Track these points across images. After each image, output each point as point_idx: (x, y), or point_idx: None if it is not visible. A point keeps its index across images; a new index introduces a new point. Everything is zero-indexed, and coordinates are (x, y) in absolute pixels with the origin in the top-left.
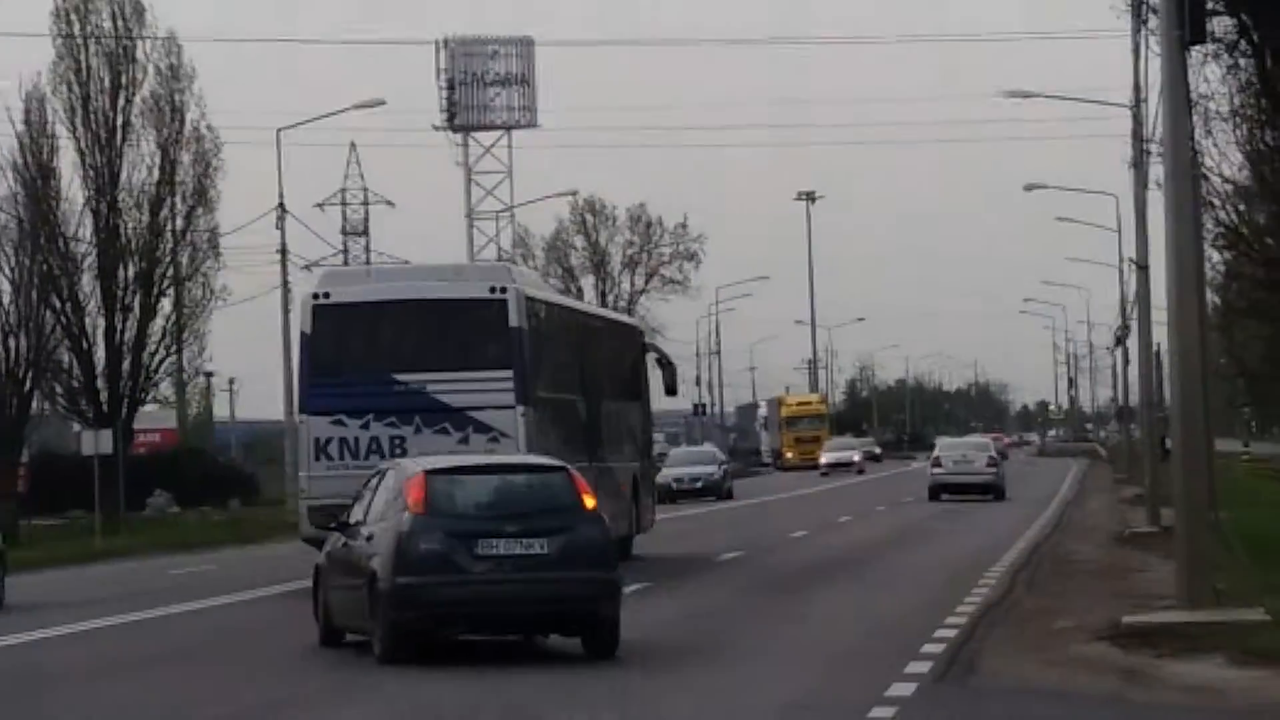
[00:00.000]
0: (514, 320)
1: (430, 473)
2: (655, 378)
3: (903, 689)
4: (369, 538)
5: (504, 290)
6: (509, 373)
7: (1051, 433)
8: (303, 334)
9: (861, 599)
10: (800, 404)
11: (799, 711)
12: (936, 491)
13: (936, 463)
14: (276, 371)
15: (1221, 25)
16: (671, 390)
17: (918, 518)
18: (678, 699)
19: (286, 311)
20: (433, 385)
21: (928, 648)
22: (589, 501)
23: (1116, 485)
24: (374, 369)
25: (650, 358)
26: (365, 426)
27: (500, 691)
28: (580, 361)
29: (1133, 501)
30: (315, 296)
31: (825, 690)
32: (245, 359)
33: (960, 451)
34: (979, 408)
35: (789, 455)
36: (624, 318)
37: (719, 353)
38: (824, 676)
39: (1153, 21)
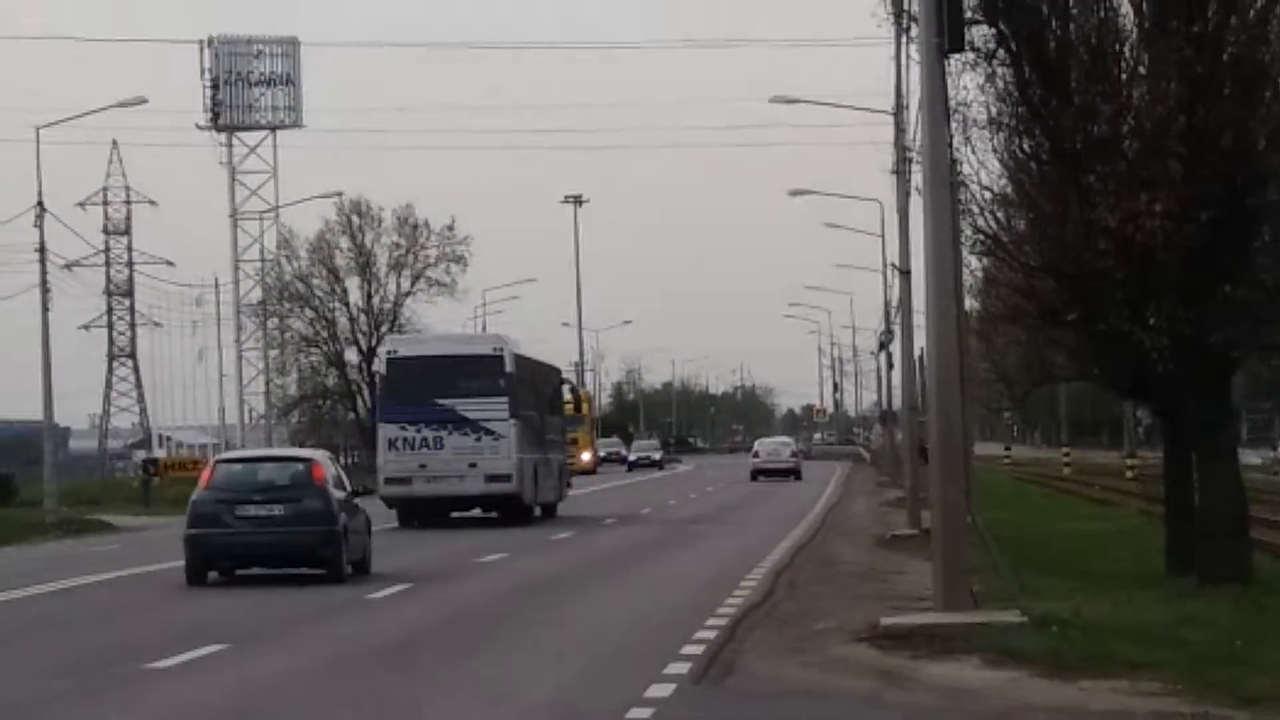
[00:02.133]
0: (508, 368)
1: (218, 461)
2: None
3: (661, 690)
4: None
5: (501, 350)
6: (505, 399)
7: (818, 436)
8: (381, 375)
9: (625, 599)
10: None
11: (555, 712)
12: (755, 474)
13: (756, 454)
14: (34, 372)
15: (980, 34)
16: (576, 408)
17: (683, 518)
18: (437, 699)
19: (46, 310)
20: (459, 406)
21: (688, 649)
22: (319, 481)
23: (880, 488)
24: (423, 396)
25: (565, 388)
26: (419, 430)
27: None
28: (536, 392)
29: (895, 504)
30: (390, 353)
31: (583, 691)
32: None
33: (772, 446)
34: (745, 411)
35: None
36: (550, 363)
37: None
38: (583, 677)
39: (914, 30)
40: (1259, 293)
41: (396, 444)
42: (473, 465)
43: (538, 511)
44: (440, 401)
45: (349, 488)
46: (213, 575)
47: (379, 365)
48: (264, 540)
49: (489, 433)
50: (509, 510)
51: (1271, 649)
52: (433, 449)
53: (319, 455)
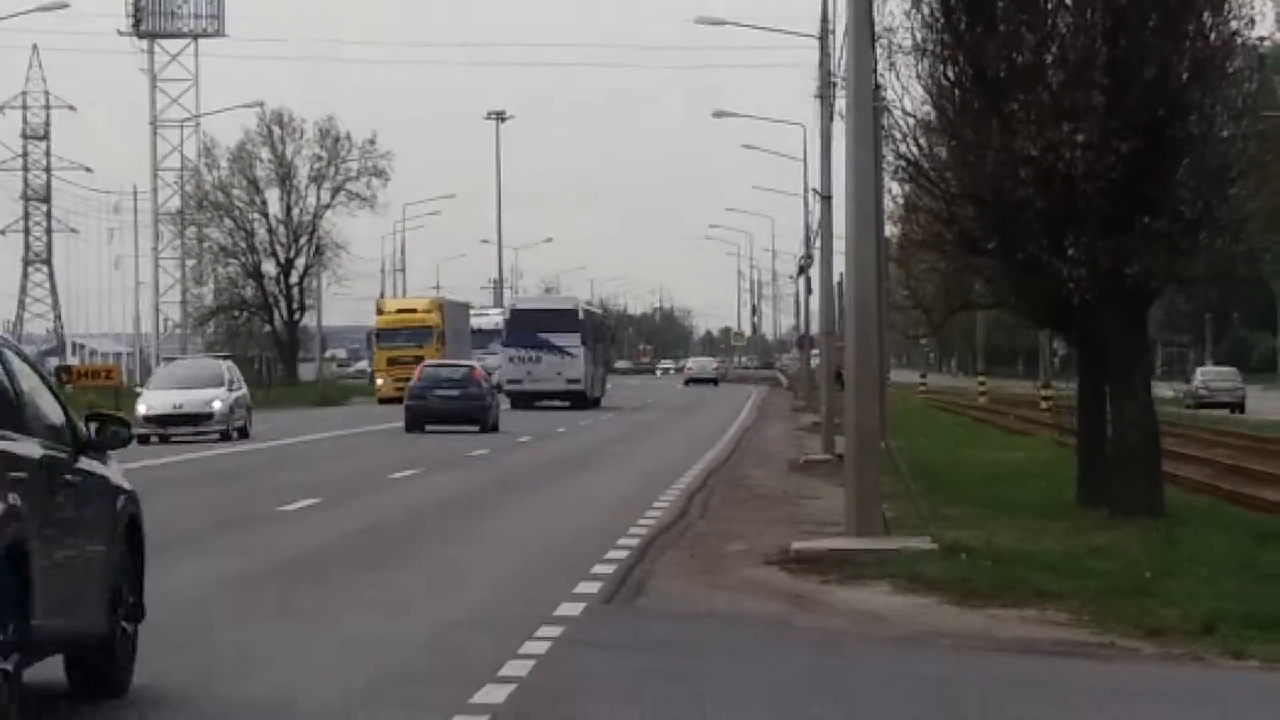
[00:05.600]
0: (580, 317)
1: (424, 366)
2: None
3: (571, 609)
4: None
5: (576, 305)
6: (578, 334)
7: (744, 359)
8: (506, 319)
9: (536, 520)
10: (401, 311)
11: (465, 629)
12: (687, 381)
13: (689, 368)
14: None
15: None
16: (612, 341)
17: (596, 440)
18: (347, 613)
19: None
20: (551, 339)
21: (599, 569)
22: (476, 378)
23: (795, 413)
24: (529, 334)
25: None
26: (527, 352)
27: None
28: (595, 332)
29: (810, 429)
30: (512, 307)
31: (494, 609)
32: None
33: (700, 363)
34: (663, 332)
35: (380, 382)
36: (603, 311)
37: (404, 270)
38: (494, 595)
39: None
40: (1178, 224)
41: (514, 360)
42: (559, 373)
43: (599, 399)
44: (541, 335)
45: (493, 383)
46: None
47: (505, 313)
48: (449, 409)
49: (569, 354)
50: (578, 400)
51: (1179, 581)
52: (535, 363)
53: (476, 364)
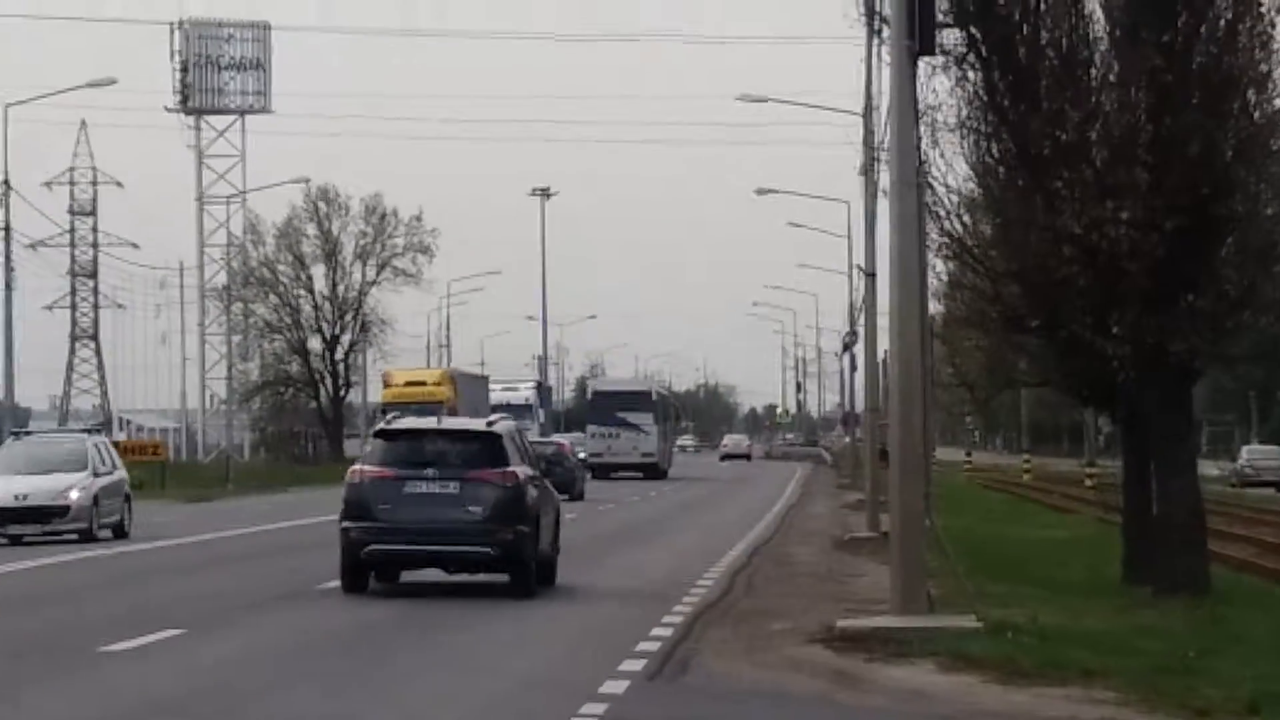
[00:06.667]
0: (654, 399)
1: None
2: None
3: (615, 686)
4: None
5: (651, 389)
6: (651, 415)
7: (790, 436)
8: (589, 400)
9: (580, 594)
10: (409, 384)
11: (510, 705)
12: (723, 457)
13: (724, 444)
14: None
15: (951, 38)
16: (678, 419)
17: (645, 516)
18: (389, 691)
19: (9, 289)
20: (629, 417)
21: (643, 645)
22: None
23: (840, 490)
24: (609, 413)
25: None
26: (608, 428)
27: None
28: (665, 411)
29: (854, 507)
30: (594, 389)
31: (539, 686)
32: None
33: (734, 440)
34: (708, 409)
35: None
36: (672, 393)
37: (449, 346)
38: (539, 672)
39: (886, 32)
40: (1222, 303)
41: (597, 436)
42: (635, 448)
43: (669, 472)
44: (619, 414)
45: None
46: None
47: (589, 393)
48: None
49: (644, 431)
50: (651, 471)
51: (1224, 661)
52: (614, 439)
53: (564, 440)
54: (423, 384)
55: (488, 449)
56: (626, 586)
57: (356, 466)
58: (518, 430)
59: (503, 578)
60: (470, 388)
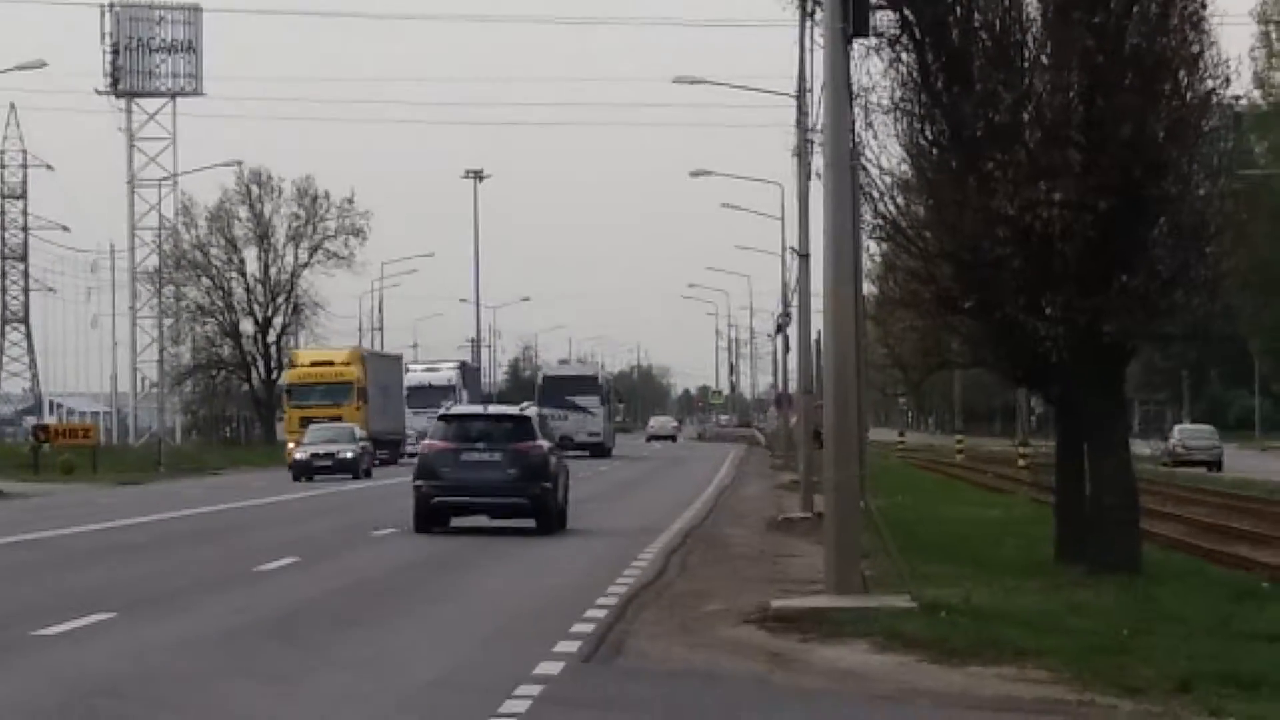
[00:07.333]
0: (601, 382)
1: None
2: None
3: (550, 668)
4: None
5: (597, 373)
6: (598, 397)
7: (725, 418)
8: (539, 385)
9: (514, 577)
10: (315, 364)
11: (443, 689)
12: (649, 438)
13: (651, 428)
14: None
15: (885, 19)
16: (620, 401)
17: (574, 498)
18: (325, 673)
19: None
20: (576, 400)
21: (578, 627)
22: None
23: (773, 471)
24: (558, 396)
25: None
26: (556, 411)
27: None
28: (612, 393)
29: (788, 487)
30: (544, 375)
31: (473, 668)
32: None
33: (660, 421)
34: (641, 391)
35: (291, 446)
36: (612, 374)
37: (382, 329)
38: (472, 654)
39: (819, 14)
40: (1154, 283)
41: (547, 418)
42: (582, 428)
43: (614, 450)
44: (568, 398)
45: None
46: None
47: (540, 378)
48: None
49: (591, 413)
50: (598, 450)
51: (1157, 639)
52: (564, 421)
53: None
54: (330, 364)
55: (521, 427)
56: (563, 567)
57: (426, 441)
58: (540, 415)
59: (529, 522)
60: (380, 367)
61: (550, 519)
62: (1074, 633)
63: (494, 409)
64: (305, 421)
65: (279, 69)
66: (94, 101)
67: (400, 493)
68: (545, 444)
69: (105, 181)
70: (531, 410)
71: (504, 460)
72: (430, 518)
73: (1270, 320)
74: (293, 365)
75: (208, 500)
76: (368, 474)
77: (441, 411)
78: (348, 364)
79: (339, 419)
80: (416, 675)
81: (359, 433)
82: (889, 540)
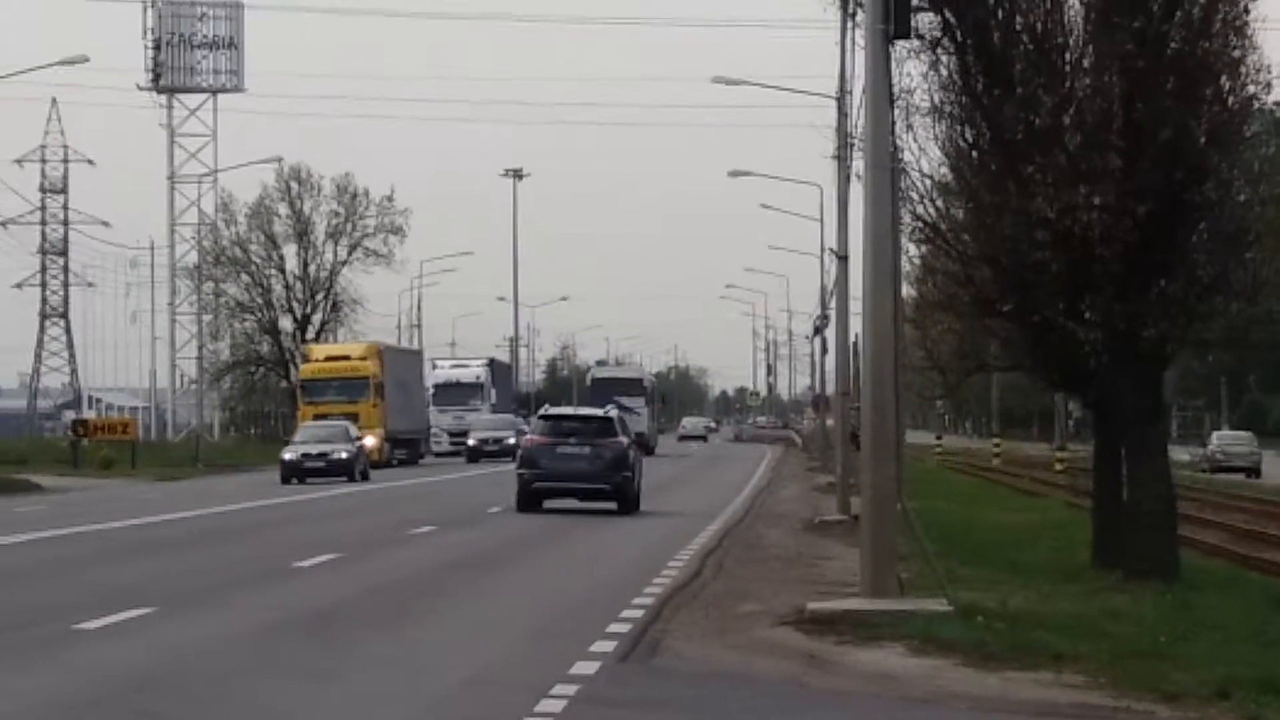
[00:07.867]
0: (646, 384)
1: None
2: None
3: (586, 667)
4: None
5: (643, 376)
6: (643, 398)
7: (763, 419)
8: (588, 386)
9: (554, 576)
10: (330, 359)
11: (480, 688)
12: (681, 438)
13: (683, 428)
14: None
15: (926, 22)
16: (663, 402)
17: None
18: (360, 672)
19: None
20: (623, 400)
21: (614, 627)
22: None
23: (810, 473)
24: (606, 397)
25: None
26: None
27: None
28: (656, 394)
29: (825, 489)
30: (594, 375)
31: (509, 667)
32: None
33: (693, 422)
34: (679, 391)
35: None
36: (655, 377)
37: (420, 326)
38: (509, 653)
39: (860, 16)
40: (1194, 288)
41: (625, 419)
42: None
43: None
44: (615, 398)
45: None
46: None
47: (589, 380)
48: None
49: (636, 414)
50: (643, 448)
51: (1194, 646)
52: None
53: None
54: (346, 358)
55: (606, 425)
56: (597, 564)
57: (527, 436)
58: (620, 416)
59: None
60: (399, 363)
61: (629, 502)
62: (1111, 638)
63: (583, 410)
64: (320, 419)
65: (320, 66)
66: (135, 97)
67: (411, 495)
68: (625, 440)
69: (146, 177)
70: (614, 411)
71: (591, 453)
72: (530, 500)
73: None
74: (307, 360)
75: (246, 496)
76: (364, 476)
77: (541, 412)
78: (364, 359)
79: (355, 417)
80: (452, 674)
81: (354, 431)
82: (925, 543)
